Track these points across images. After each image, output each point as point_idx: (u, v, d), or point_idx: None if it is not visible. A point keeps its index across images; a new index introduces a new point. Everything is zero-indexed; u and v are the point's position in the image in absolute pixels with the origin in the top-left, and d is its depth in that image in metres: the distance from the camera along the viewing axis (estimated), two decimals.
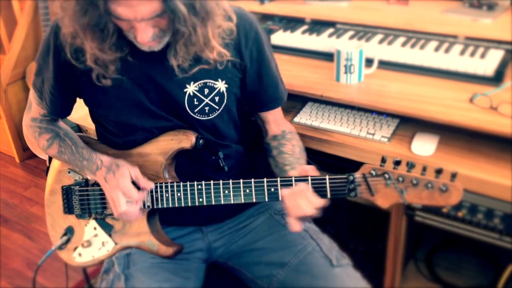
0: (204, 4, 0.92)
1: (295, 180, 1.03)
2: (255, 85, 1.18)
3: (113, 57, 1.00)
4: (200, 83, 1.11)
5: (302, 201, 1.00)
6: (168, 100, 1.12)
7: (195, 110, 1.14)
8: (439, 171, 0.93)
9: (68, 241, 1.25)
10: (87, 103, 1.19)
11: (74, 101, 1.22)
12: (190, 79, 1.09)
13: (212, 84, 1.12)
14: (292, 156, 1.19)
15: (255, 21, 1.16)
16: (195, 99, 1.12)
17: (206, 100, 1.13)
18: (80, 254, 1.24)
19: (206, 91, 1.12)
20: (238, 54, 1.12)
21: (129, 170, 1.11)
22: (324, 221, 2.15)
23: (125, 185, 1.09)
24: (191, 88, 1.11)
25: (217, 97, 1.14)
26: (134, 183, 1.11)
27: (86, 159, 1.16)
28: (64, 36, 1.00)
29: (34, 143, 1.25)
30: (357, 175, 0.99)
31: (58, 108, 1.20)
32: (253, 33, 1.14)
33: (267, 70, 1.19)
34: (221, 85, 1.13)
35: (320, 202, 1.01)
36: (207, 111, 1.15)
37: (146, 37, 0.94)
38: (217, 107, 1.15)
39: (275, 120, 1.28)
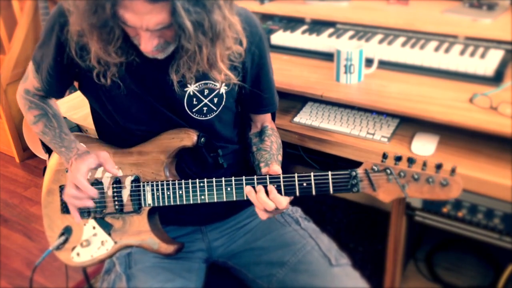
0: (214, 24, 0.91)
1: (298, 177, 1.03)
2: (252, 88, 1.18)
3: (116, 61, 1.00)
4: (201, 84, 1.11)
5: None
6: (168, 97, 1.12)
7: (194, 110, 1.14)
8: (439, 166, 0.94)
9: (66, 241, 1.24)
10: (84, 90, 1.18)
11: (70, 85, 1.20)
12: (192, 79, 1.09)
13: (213, 86, 1.13)
14: (268, 153, 1.20)
15: (259, 25, 1.16)
16: (194, 99, 1.12)
17: (205, 101, 1.13)
18: (78, 254, 1.23)
19: (206, 91, 1.12)
20: (240, 57, 1.12)
21: (97, 155, 1.09)
22: (323, 220, 2.16)
23: (80, 169, 1.07)
24: (192, 88, 1.11)
25: (216, 98, 1.14)
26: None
27: (65, 146, 1.16)
28: (71, 33, 1.00)
29: (30, 134, 1.25)
30: (359, 170, 1.00)
31: (54, 89, 1.19)
32: (257, 38, 1.14)
33: (266, 76, 1.20)
34: (221, 87, 1.13)
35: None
36: (205, 111, 1.15)
37: (150, 47, 0.94)
38: (215, 108, 1.15)
39: (261, 120, 1.29)
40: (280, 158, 1.22)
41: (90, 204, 1.11)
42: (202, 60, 0.96)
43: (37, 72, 1.17)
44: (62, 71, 1.12)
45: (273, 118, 1.34)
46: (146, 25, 0.88)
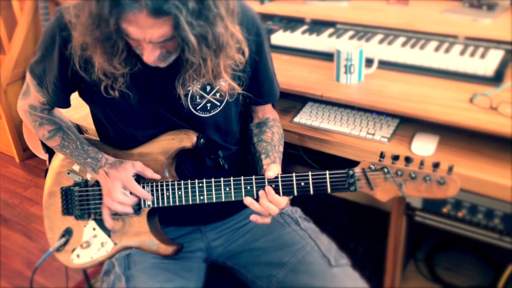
0: (218, 36, 0.91)
1: (296, 176, 1.04)
2: (251, 80, 1.18)
3: (121, 72, 1.00)
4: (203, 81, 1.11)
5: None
6: (172, 102, 1.12)
7: (197, 108, 1.14)
8: (436, 165, 0.95)
9: (66, 242, 1.24)
10: (84, 98, 1.18)
11: (74, 92, 1.20)
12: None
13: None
14: (269, 144, 1.20)
15: (256, 16, 1.16)
16: (197, 97, 1.12)
17: (208, 97, 1.13)
18: (78, 256, 1.23)
19: (208, 88, 1.13)
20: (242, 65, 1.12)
21: (133, 164, 1.14)
22: (323, 221, 2.16)
23: (126, 177, 1.11)
24: (194, 87, 1.11)
25: (218, 93, 1.14)
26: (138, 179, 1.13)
27: (91, 157, 1.17)
28: (74, 47, 0.99)
29: (30, 134, 1.24)
30: (357, 169, 1.01)
31: (62, 99, 1.18)
32: (255, 29, 1.14)
33: (264, 66, 1.20)
34: (222, 82, 1.13)
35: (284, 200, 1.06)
36: (208, 107, 1.15)
37: (152, 58, 0.94)
38: (219, 104, 1.15)
39: (262, 111, 1.29)
40: (281, 149, 1.22)
41: (130, 210, 1.14)
42: (207, 73, 0.97)
43: (40, 86, 1.15)
44: (68, 81, 1.12)
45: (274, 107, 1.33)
46: (149, 38, 0.89)
